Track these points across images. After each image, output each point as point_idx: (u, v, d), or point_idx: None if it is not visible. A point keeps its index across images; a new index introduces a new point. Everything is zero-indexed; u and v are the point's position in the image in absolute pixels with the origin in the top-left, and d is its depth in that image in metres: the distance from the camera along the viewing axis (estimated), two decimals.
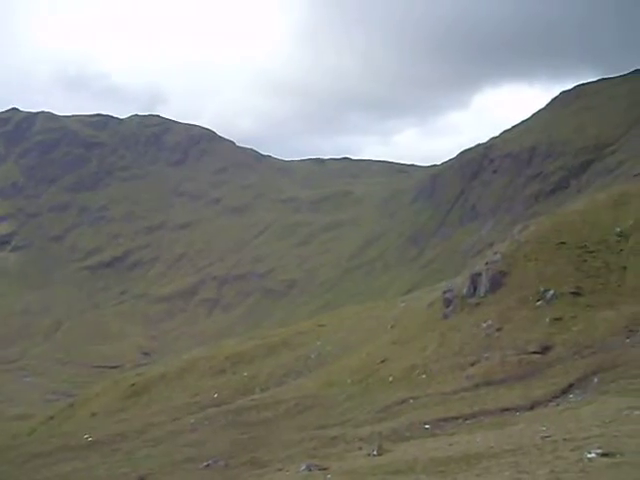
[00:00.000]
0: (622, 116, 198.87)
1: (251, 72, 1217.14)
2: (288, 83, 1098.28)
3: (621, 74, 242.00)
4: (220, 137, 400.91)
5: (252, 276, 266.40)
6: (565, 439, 26.33)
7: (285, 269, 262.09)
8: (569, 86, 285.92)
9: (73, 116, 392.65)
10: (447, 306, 68.55)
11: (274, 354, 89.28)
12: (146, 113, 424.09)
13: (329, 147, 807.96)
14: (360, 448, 38.40)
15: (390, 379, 61.10)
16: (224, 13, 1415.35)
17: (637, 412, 29.39)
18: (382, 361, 66.41)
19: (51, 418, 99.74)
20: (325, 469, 31.98)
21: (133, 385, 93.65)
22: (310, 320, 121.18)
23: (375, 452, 34.31)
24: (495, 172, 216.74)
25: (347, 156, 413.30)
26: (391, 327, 77.65)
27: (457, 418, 43.80)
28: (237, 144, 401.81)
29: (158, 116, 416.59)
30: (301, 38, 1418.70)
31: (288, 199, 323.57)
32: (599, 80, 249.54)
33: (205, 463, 45.62)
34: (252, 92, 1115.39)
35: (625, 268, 61.87)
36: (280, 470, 36.46)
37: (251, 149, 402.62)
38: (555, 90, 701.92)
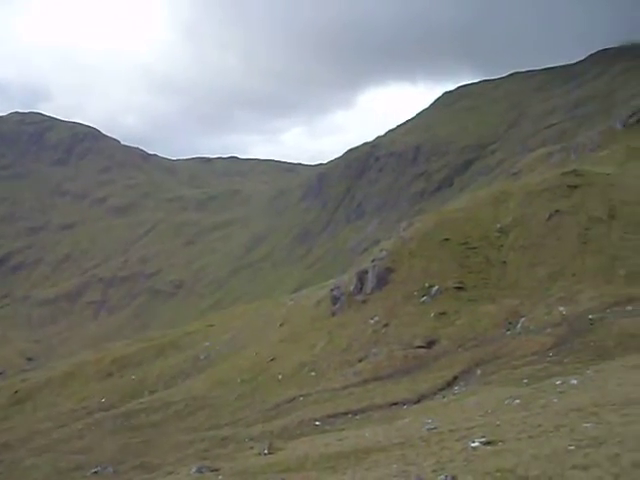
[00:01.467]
0: (502, 116, 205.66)
1: (136, 69, 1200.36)
2: (173, 80, 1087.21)
3: (501, 76, 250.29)
4: (105, 135, 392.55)
5: (139, 277, 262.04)
6: (450, 430, 27.02)
7: (173, 269, 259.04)
8: (451, 87, 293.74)
9: None
10: (335, 303, 69.28)
11: (163, 356, 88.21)
12: (27, 110, 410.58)
13: (216, 146, 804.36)
14: (251, 447, 38.36)
15: (280, 377, 61.28)
16: (107, 9, 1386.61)
17: (517, 401, 30.45)
18: (272, 359, 66.53)
19: None
20: (216, 470, 31.79)
21: (16, 392, 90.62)
22: (199, 320, 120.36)
23: (266, 451, 34.35)
24: (381, 171, 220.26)
25: (234, 155, 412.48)
26: (280, 325, 77.86)
27: (346, 414, 44.31)
28: (122, 142, 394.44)
29: (40, 114, 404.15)
30: (184, 34, 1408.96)
31: (175, 198, 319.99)
32: (480, 82, 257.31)
33: (93, 470, 44.60)
34: (137, 89, 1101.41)
35: (505, 263, 64.07)
36: (171, 473, 36.01)
37: (137, 148, 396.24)
38: (438, 90, 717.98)
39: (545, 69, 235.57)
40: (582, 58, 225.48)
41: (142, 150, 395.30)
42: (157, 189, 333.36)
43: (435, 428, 28.59)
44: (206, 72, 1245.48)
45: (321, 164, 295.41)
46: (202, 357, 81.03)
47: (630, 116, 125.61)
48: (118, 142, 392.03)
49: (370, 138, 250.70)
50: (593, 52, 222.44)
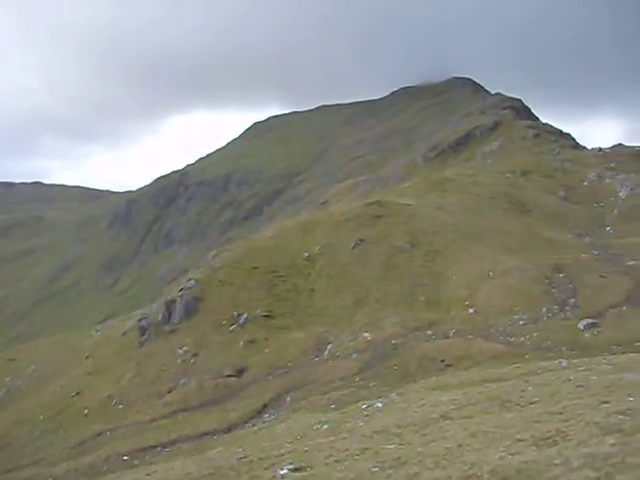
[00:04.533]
0: (310, 148, 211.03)
1: None
2: None
3: (310, 108, 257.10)
4: None
5: None
6: (260, 458, 27.10)
7: None
8: (261, 117, 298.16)
9: None
10: (143, 334, 68.03)
11: None
12: None
13: (18, 170, 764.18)
14: None
15: (86, 412, 59.32)
16: None
17: (325, 426, 31.03)
18: (77, 393, 64.32)
19: None
20: None
21: None
22: None
23: None
24: (190, 199, 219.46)
25: (38, 180, 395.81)
26: (86, 358, 75.44)
27: (155, 447, 43.55)
28: None
29: None
30: None
31: None
32: (290, 113, 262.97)
33: None
34: None
35: (313, 291, 65.49)
36: None
37: None
38: (248, 120, 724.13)
39: (352, 103, 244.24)
40: (386, 94, 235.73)
41: None
42: None
43: (245, 457, 28.59)
44: (7, 93, 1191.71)
45: (129, 191, 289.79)
46: (2, 394, 77.02)
47: (429, 150, 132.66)
48: None
49: (179, 166, 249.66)
50: (396, 89, 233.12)
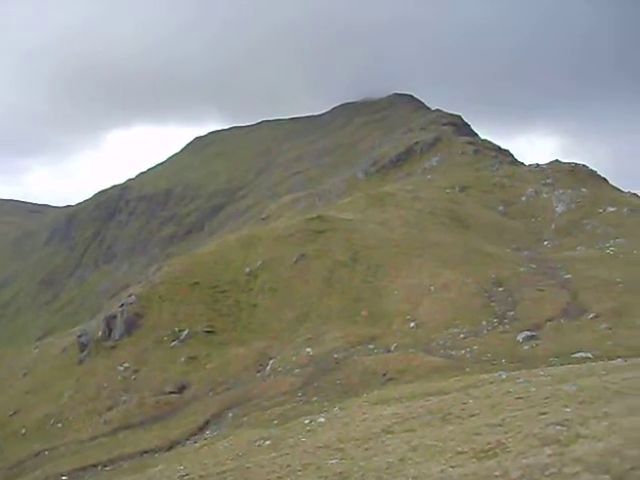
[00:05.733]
0: (252, 162, 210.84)
1: None
2: None
3: (251, 123, 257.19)
4: None
5: None
6: (201, 475, 26.92)
7: None
8: (202, 132, 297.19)
9: None
10: (82, 350, 67.07)
11: None
12: None
13: None
14: None
15: (23, 431, 58.13)
16: None
17: (267, 442, 30.91)
18: (14, 412, 63.01)
19: None
20: None
21: None
22: None
23: None
24: (131, 214, 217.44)
25: None
26: (24, 375, 73.97)
27: (95, 466, 42.86)
28: None
29: None
30: None
31: None
32: (231, 128, 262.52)
33: None
34: None
35: (255, 306, 65.36)
36: None
37: None
38: (188, 134, 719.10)
39: (293, 119, 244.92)
40: (327, 110, 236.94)
41: None
42: None
43: (187, 475, 28.36)
44: None
45: (69, 206, 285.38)
46: None
47: (370, 166, 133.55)
48: None
49: (120, 181, 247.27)
50: (337, 105, 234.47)
